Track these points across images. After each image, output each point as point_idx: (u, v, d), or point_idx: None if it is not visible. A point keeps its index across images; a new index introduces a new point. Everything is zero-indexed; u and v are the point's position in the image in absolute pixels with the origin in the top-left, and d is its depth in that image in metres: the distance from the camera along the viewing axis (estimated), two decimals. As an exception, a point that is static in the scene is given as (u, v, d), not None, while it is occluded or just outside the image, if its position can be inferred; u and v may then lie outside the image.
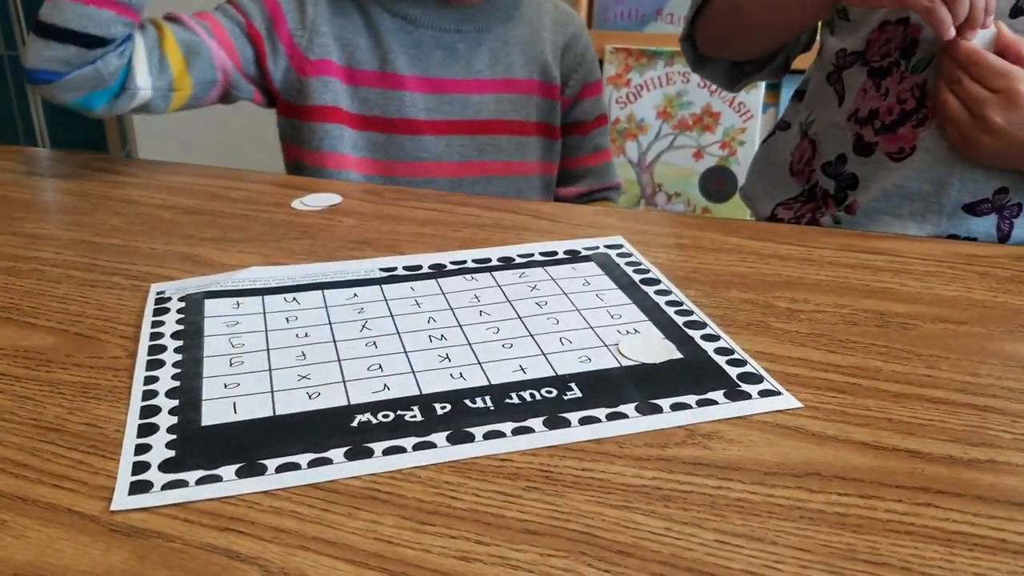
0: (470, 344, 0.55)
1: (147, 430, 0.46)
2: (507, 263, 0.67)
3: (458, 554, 0.39)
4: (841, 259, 0.70)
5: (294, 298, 0.62)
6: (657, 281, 0.64)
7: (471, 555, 0.39)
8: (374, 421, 0.47)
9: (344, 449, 0.45)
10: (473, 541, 0.39)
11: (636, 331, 0.57)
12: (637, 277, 0.65)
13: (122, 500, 0.41)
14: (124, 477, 0.43)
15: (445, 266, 0.67)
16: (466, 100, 1.00)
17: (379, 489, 0.43)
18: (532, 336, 0.56)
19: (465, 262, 0.67)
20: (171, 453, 0.44)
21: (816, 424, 0.48)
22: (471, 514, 0.41)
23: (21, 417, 0.49)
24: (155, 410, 0.48)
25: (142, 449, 0.45)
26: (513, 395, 0.49)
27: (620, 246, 0.71)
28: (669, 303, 0.60)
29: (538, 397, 0.49)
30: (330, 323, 0.58)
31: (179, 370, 0.52)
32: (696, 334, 0.56)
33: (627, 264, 0.67)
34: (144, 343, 0.56)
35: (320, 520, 0.41)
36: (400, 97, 0.98)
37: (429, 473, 0.44)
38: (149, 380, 0.51)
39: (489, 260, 0.68)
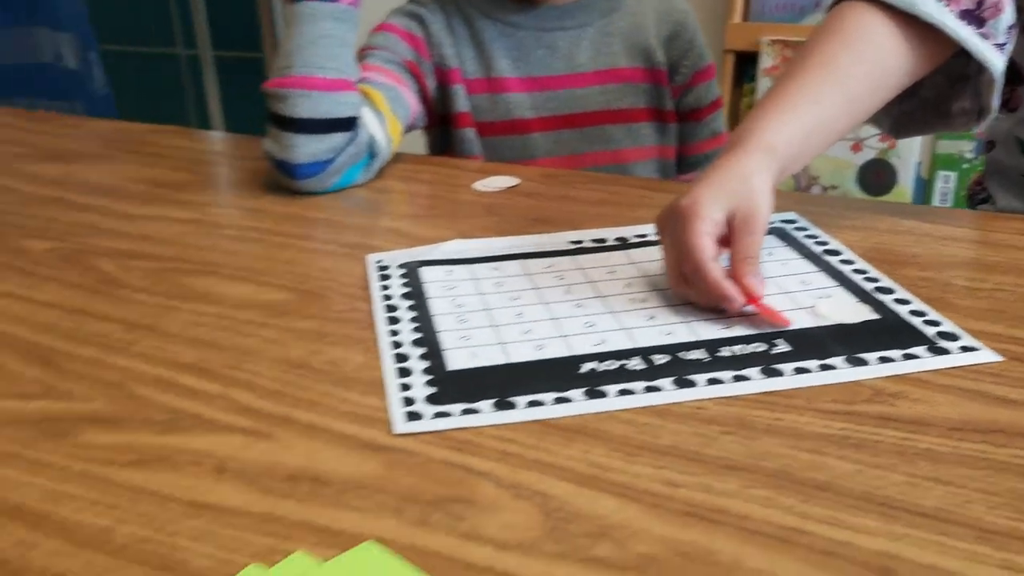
0: (672, 306, 0.60)
1: (404, 372, 0.53)
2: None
3: (664, 481, 0.43)
4: (1019, 242, 0.71)
5: (497, 267, 0.68)
6: (839, 252, 0.67)
7: (677, 482, 0.43)
8: (599, 369, 0.53)
9: (581, 390, 0.51)
10: (677, 471, 0.44)
11: (829, 295, 0.60)
12: (818, 248, 0.68)
13: (400, 426, 0.48)
14: (397, 409, 0.50)
15: (629, 239, 0.72)
16: (571, 94, 1.05)
17: (587, 426, 0.48)
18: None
19: (646, 235, 0.72)
20: (431, 390, 0.51)
21: (1000, 388, 0.50)
22: (673, 450, 0.46)
23: (271, 356, 0.57)
24: (405, 357, 0.55)
25: (405, 387, 0.52)
26: (724, 349, 0.54)
27: (795, 221, 0.74)
28: (855, 271, 0.64)
29: (748, 351, 0.54)
30: (536, 288, 0.64)
31: (416, 324, 0.59)
32: (888, 298, 0.60)
33: (806, 237, 0.70)
34: (378, 302, 0.63)
35: (538, 447, 0.46)
36: (506, 100, 1.04)
37: (629, 415, 0.49)
38: (392, 333, 0.58)
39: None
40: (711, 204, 0.59)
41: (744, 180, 0.60)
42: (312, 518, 0.42)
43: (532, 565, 0.38)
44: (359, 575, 0.38)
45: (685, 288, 0.60)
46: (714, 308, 0.58)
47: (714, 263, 0.57)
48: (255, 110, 0.94)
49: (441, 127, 1.07)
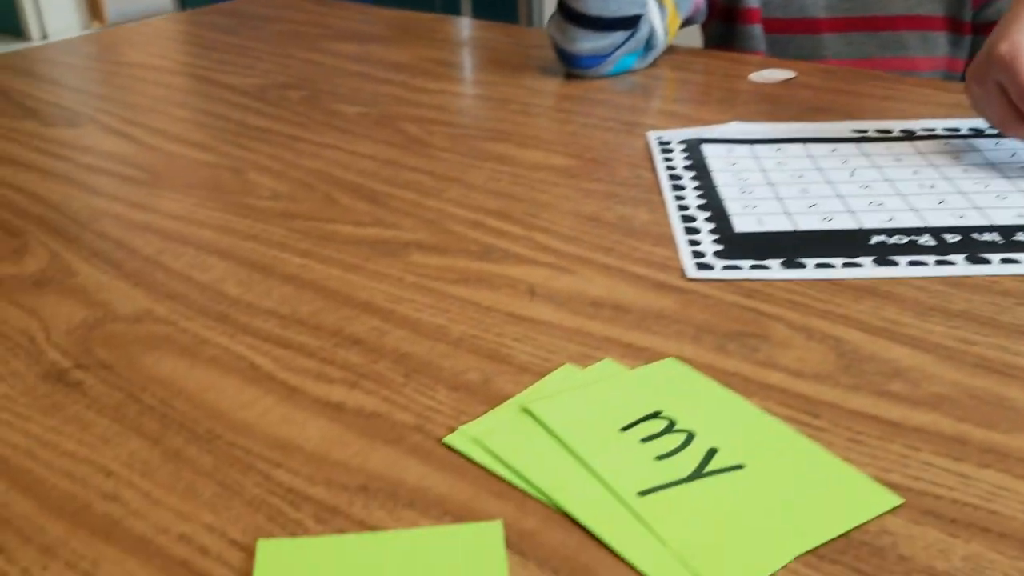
0: (962, 193, 0.60)
1: (692, 231, 0.57)
2: (977, 133, 0.70)
3: (958, 339, 0.45)
4: None
5: (778, 148, 0.69)
6: None
7: (970, 340, 0.45)
8: (889, 242, 0.54)
9: (871, 258, 0.52)
10: (971, 332, 0.45)
11: None
12: None
13: (692, 272, 0.52)
14: (688, 260, 0.53)
15: (916, 132, 0.71)
16: None
17: (877, 288, 0.50)
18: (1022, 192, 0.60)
19: (935, 130, 0.71)
20: (719, 247, 0.55)
21: None
22: (966, 314, 0.47)
23: (565, 209, 0.62)
24: (692, 218, 0.59)
25: (694, 243, 0.55)
26: (1020, 234, 0.54)
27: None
28: None
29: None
30: (819, 169, 0.65)
31: (700, 192, 0.62)
32: None
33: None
34: (662, 172, 0.66)
35: (829, 301, 0.49)
36: None
37: (920, 283, 0.50)
38: (678, 198, 0.62)
39: (959, 130, 0.71)
40: None
41: None
42: (617, 336, 0.47)
43: (827, 392, 0.41)
44: (664, 383, 0.42)
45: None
46: None
47: None
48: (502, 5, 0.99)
49: (724, 22, 1.07)
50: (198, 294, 0.52)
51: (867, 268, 0.51)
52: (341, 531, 0.35)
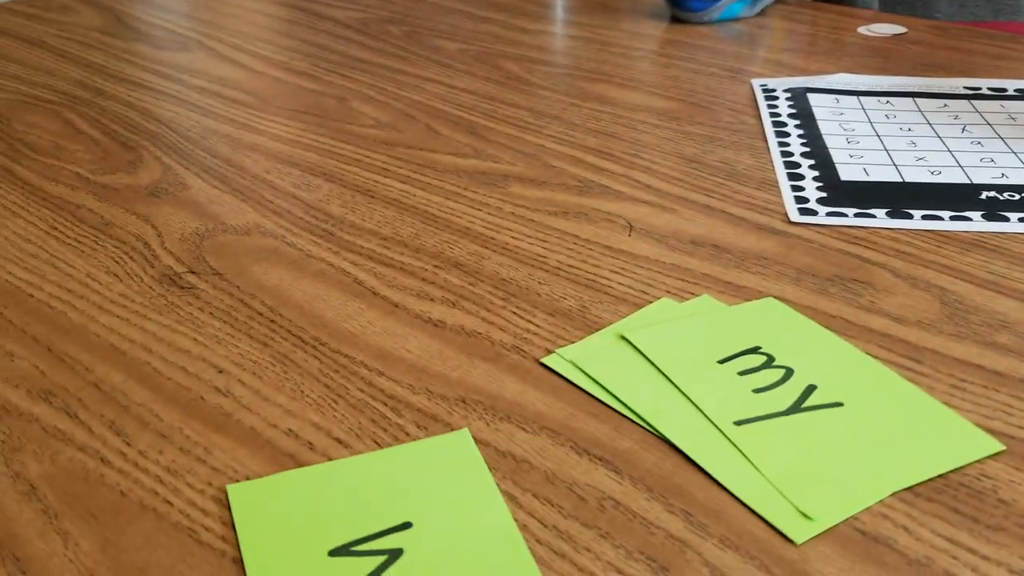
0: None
1: (795, 177, 0.56)
2: (1100, 95, 0.67)
3: (1070, 297, 0.44)
4: None
5: (887, 101, 0.68)
6: None
7: (1084, 300, 0.43)
8: (1001, 198, 0.53)
9: (981, 213, 0.51)
10: (1085, 292, 0.44)
11: None
12: None
13: (795, 216, 0.52)
14: (791, 204, 0.53)
15: (1033, 90, 0.68)
16: None
17: (985, 241, 0.49)
18: None
19: (1054, 89, 0.68)
20: (823, 194, 0.54)
21: None
22: (1080, 273, 0.46)
23: (666, 150, 0.61)
24: (796, 164, 0.58)
25: (797, 188, 0.55)
26: None
27: None
28: None
29: None
30: (929, 123, 0.63)
31: (805, 139, 0.61)
32: None
33: None
34: (766, 119, 0.65)
35: (936, 251, 0.48)
36: None
37: (1032, 241, 0.49)
38: (782, 144, 0.61)
39: (1080, 91, 0.68)
40: None
41: None
42: (716, 274, 0.47)
43: (930, 339, 0.41)
44: (763, 321, 0.42)
45: None
46: None
47: None
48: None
49: None
50: (304, 212, 0.54)
51: (976, 222, 0.50)
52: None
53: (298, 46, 0.86)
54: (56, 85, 0.77)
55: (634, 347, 0.40)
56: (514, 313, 0.44)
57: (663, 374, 0.38)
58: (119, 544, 0.31)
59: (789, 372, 0.38)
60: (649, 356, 0.39)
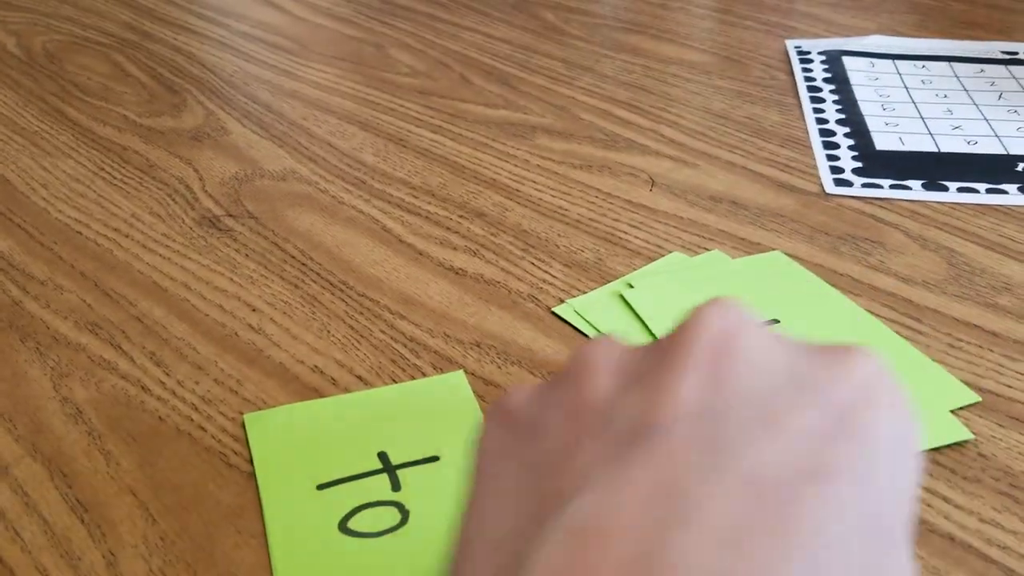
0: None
1: (831, 146, 0.57)
2: None
3: (1078, 263, 0.44)
4: None
5: (923, 65, 0.67)
6: None
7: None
8: (1036, 169, 0.53)
9: (1016, 185, 0.51)
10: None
11: None
12: None
13: (831, 188, 0.52)
14: (826, 175, 0.53)
15: (1072, 52, 0.68)
16: None
17: (999, 206, 0.49)
18: None
19: (1094, 51, 0.67)
20: (859, 164, 0.54)
21: None
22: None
23: (694, 104, 0.62)
24: (831, 132, 0.58)
25: (832, 158, 0.55)
26: None
27: None
28: None
29: None
30: (965, 90, 0.63)
31: (840, 106, 0.62)
32: None
33: None
34: (801, 84, 0.66)
35: (950, 214, 0.49)
36: None
37: (1049, 205, 0.49)
38: (816, 111, 0.61)
39: (1121, 52, 0.67)
40: None
41: None
42: (731, 230, 0.48)
43: (933, 299, 0.42)
44: (766, 275, 0.44)
45: None
46: None
47: None
48: None
49: None
50: (338, 159, 0.56)
51: (1012, 195, 0.50)
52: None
53: (340, -8, 0.88)
54: (106, 27, 0.79)
55: (626, 302, 0.42)
56: (532, 264, 0.46)
57: (649, 331, 0.40)
58: (156, 464, 0.34)
59: (775, 324, 0.40)
60: (640, 313, 0.41)
